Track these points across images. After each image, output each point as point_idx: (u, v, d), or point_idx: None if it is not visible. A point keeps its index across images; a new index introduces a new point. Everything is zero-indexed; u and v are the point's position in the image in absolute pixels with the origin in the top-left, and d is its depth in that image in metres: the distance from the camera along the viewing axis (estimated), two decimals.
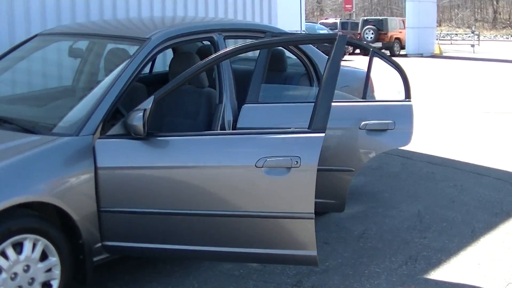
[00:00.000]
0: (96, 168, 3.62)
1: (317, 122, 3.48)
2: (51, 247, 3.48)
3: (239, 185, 3.53)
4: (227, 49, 3.79)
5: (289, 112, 4.62)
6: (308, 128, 3.51)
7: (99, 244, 3.73)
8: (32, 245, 3.40)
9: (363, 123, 4.51)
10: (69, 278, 3.59)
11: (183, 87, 4.77)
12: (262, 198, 3.52)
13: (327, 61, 3.58)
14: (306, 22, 37.08)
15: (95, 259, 3.73)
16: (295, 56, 5.33)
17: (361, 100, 4.79)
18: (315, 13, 61.11)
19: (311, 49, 5.40)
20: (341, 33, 3.71)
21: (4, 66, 4.68)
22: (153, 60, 6.21)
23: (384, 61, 4.74)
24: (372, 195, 6.11)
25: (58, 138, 3.61)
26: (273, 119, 4.56)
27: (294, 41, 4.25)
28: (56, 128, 3.73)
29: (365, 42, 25.70)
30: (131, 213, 3.69)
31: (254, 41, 3.91)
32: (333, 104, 4.58)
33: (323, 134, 3.47)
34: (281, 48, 5.33)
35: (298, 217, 3.50)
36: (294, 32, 7.52)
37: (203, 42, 5.35)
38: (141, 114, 3.51)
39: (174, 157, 3.64)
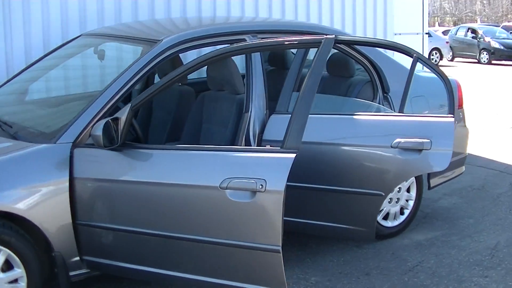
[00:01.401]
0: (72, 179, 3.43)
1: (289, 141, 3.00)
2: (15, 257, 3.34)
3: (203, 207, 3.17)
4: (200, 57, 3.42)
5: (322, 124, 4.12)
6: (280, 147, 3.04)
7: (77, 258, 3.53)
8: None
9: (395, 140, 3.88)
10: None
11: (219, 93, 4.47)
12: (226, 224, 3.13)
13: (310, 68, 3.08)
14: (487, 24, 34.62)
15: (72, 273, 3.54)
16: (355, 60, 4.79)
17: (395, 114, 4.14)
18: (509, 15, 57.16)
19: (377, 54, 4.82)
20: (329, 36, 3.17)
21: (43, 67, 4.67)
22: None
23: (428, 69, 4.06)
24: (454, 220, 5.35)
25: (33, 145, 3.46)
26: (306, 131, 4.08)
27: (275, 45, 3.74)
28: (36, 134, 3.59)
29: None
30: (106, 229, 3.46)
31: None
32: (363, 117, 4.06)
33: (293, 155, 2.98)
34: (341, 52, 4.80)
35: (263, 249, 3.05)
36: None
37: None
38: (103, 124, 3.25)
39: (142, 171, 3.36)
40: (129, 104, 3.35)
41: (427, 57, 19.03)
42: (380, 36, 7.71)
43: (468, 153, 7.61)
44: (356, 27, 7.54)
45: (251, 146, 4.08)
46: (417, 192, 5.01)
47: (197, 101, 4.64)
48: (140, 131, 3.89)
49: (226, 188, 3.07)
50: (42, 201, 3.37)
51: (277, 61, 5.58)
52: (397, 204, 4.89)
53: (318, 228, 4.14)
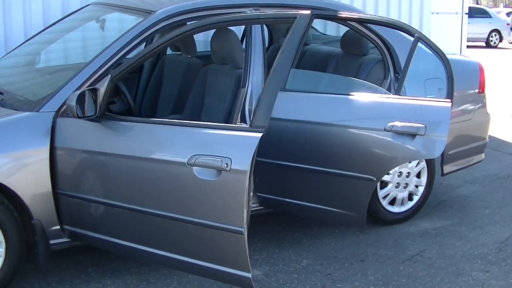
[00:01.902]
0: (53, 148, 3.42)
1: (257, 119, 2.90)
2: None
3: (171, 183, 3.11)
4: (177, 30, 3.34)
5: (317, 103, 3.99)
6: (249, 125, 2.94)
7: (57, 227, 3.54)
8: None
9: (389, 124, 3.71)
10: (17, 258, 3.46)
11: (221, 66, 4.38)
12: (192, 202, 3.07)
13: (282, 45, 2.95)
14: None
15: (52, 241, 3.55)
16: (367, 38, 4.61)
17: (391, 96, 3.95)
18: None
19: (390, 33, 4.61)
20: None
21: (51, 35, 4.68)
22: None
23: (429, 49, 3.85)
24: (468, 210, 5.13)
25: (17, 112, 3.47)
26: (298, 110, 3.98)
27: (251, 19, 3.62)
28: (21, 102, 3.59)
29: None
30: (83, 200, 3.44)
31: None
32: (357, 98, 3.90)
33: (260, 134, 2.88)
34: (353, 30, 4.62)
35: (227, 230, 2.98)
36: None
37: None
38: (77, 94, 3.22)
39: (118, 144, 3.32)
40: (109, 75, 3.31)
41: (485, 38, 18.35)
42: (416, 15, 7.43)
43: (502, 140, 7.38)
44: (390, 4, 7.29)
45: (246, 122, 3.98)
46: (428, 178, 4.82)
47: (201, 74, 4.55)
48: (132, 102, 3.85)
49: (193, 165, 3.00)
50: (23, 168, 3.38)
51: None
52: (405, 189, 4.72)
53: (308, 210, 4.02)
